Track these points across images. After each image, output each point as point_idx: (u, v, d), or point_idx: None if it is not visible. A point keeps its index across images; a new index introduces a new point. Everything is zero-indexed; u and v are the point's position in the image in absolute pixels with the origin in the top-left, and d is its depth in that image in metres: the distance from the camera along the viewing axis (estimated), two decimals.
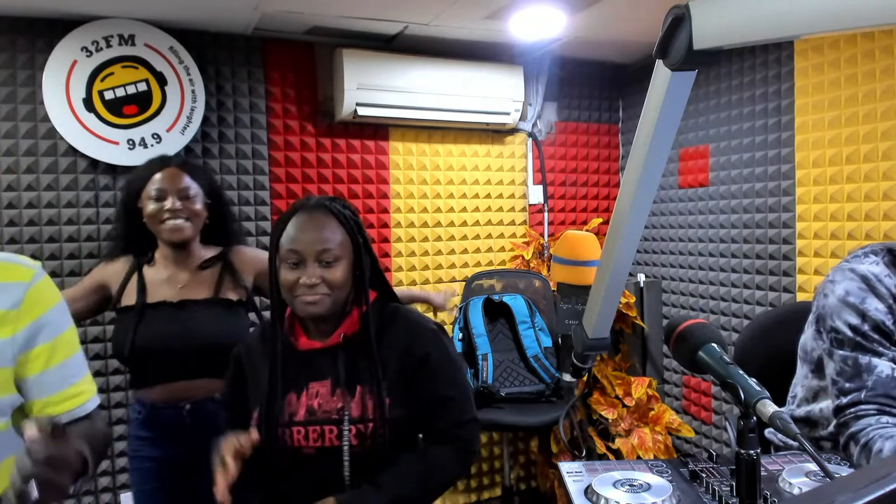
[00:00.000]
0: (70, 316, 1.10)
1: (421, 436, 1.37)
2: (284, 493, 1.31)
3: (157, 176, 1.76)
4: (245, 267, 1.87)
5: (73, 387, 1.06)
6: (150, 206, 1.75)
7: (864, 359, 1.28)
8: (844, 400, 1.28)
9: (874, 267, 1.33)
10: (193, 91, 2.44)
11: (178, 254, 1.80)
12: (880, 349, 1.28)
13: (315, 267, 1.25)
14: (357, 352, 1.29)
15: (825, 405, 1.38)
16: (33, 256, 2.27)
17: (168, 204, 1.73)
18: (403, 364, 1.30)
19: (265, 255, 1.62)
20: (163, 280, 1.79)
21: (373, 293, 1.36)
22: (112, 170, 2.38)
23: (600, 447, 2.82)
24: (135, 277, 1.79)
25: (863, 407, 1.25)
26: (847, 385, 1.29)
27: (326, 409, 1.26)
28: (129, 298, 1.77)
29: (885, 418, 1.22)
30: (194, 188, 1.79)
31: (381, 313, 1.35)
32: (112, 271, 1.83)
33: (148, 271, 1.81)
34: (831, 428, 1.35)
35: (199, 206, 1.79)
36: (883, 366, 1.27)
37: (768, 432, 1.53)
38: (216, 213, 1.86)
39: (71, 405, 1.05)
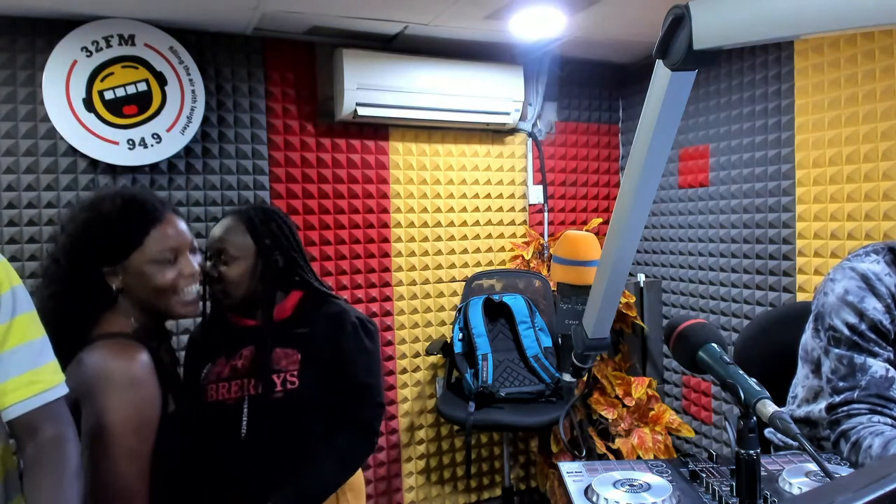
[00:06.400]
0: (31, 301, 1.05)
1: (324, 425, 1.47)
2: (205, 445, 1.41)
3: (159, 231, 1.27)
4: None
5: (29, 373, 1.00)
6: (160, 275, 1.27)
7: (859, 358, 1.29)
8: (837, 398, 1.29)
9: (874, 266, 1.34)
10: (193, 91, 2.44)
11: None
12: (876, 349, 1.29)
13: (206, 262, 1.41)
14: (281, 332, 1.44)
15: (825, 405, 1.38)
16: (33, 257, 2.27)
17: (186, 268, 1.30)
18: (322, 348, 1.43)
19: None
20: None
21: (299, 293, 1.50)
22: (112, 170, 2.37)
23: (600, 447, 2.82)
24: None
25: (855, 406, 1.26)
26: (841, 384, 1.29)
27: (246, 367, 1.42)
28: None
29: (876, 417, 1.23)
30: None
31: (311, 303, 1.49)
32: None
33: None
34: None
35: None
36: (877, 366, 1.28)
37: (768, 432, 1.53)
38: None
39: (25, 393, 0.99)
